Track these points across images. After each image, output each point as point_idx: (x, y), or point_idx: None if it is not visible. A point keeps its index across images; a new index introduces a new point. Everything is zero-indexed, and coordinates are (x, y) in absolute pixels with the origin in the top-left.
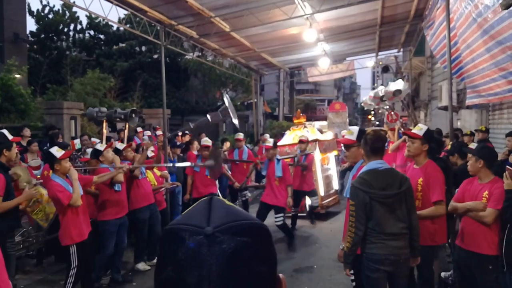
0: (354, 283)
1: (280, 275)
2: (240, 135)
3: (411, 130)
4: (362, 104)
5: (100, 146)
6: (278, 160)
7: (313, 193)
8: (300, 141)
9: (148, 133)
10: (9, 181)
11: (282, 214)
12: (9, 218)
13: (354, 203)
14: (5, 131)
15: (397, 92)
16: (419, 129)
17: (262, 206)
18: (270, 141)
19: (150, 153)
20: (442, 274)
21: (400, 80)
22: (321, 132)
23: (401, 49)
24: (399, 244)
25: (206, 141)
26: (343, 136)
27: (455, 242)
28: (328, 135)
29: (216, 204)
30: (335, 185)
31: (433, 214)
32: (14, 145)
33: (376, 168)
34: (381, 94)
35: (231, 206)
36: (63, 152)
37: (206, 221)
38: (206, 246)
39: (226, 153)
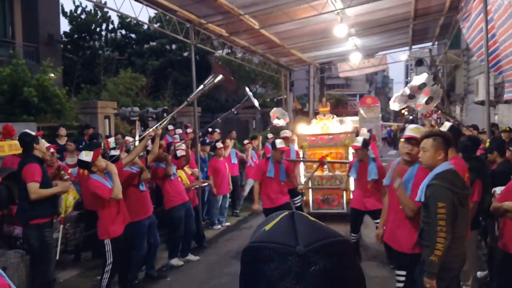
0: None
1: None
2: (287, 133)
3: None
4: (390, 108)
5: (114, 152)
6: (373, 159)
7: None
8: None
9: (179, 131)
10: (46, 173)
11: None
12: (46, 205)
13: (445, 204)
14: (27, 130)
15: (422, 85)
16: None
17: (355, 213)
18: (358, 140)
19: (180, 152)
20: (478, 273)
21: (424, 74)
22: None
23: (436, 42)
24: (464, 248)
25: (281, 143)
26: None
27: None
28: (348, 126)
29: (300, 220)
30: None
31: None
32: (40, 138)
33: (451, 168)
34: (408, 92)
35: (315, 222)
36: (91, 153)
37: (294, 239)
38: (298, 267)
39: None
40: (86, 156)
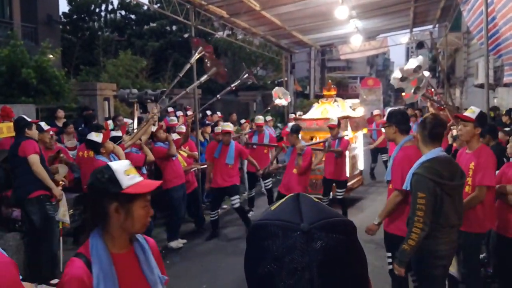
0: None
1: None
2: (260, 120)
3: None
4: (391, 82)
5: (115, 132)
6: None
7: (342, 184)
8: (329, 127)
9: (180, 113)
10: (41, 152)
11: None
12: (39, 184)
13: (425, 195)
14: (23, 115)
15: (418, 68)
16: (472, 112)
17: (279, 197)
18: (289, 126)
19: (175, 136)
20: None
21: (420, 56)
22: (353, 108)
23: (437, 25)
24: (455, 236)
25: (227, 125)
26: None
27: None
28: (359, 112)
29: (304, 201)
30: (361, 166)
31: (470, 201)
32: (34, 125)
33: (440, 156)
34: (400, 76)
35: (319, 203)
36: (101, 134)
37: (299, 217)
38: (303, 243)
39: (246, 136)
40: (97, 137)
